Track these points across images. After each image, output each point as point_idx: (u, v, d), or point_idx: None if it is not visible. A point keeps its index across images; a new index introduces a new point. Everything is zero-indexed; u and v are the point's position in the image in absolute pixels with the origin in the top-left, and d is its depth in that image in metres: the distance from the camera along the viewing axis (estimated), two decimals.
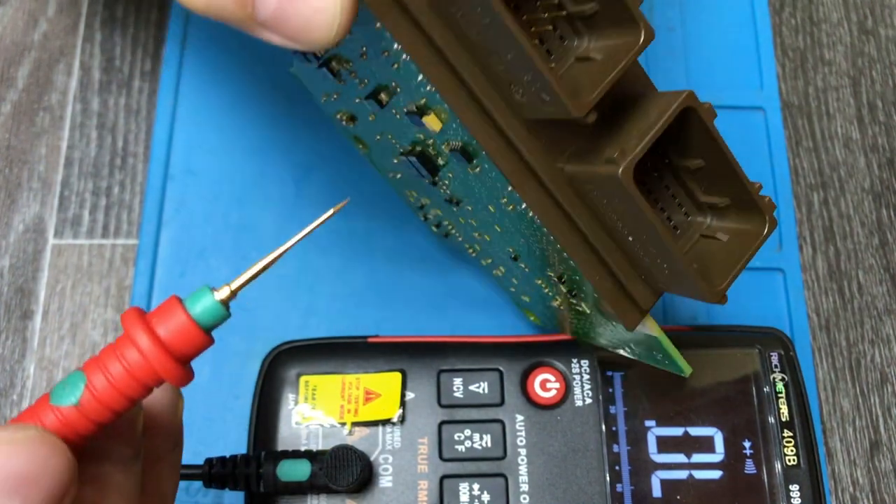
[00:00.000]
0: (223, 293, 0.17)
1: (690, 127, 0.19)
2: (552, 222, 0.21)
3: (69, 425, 0.16)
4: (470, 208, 0.24)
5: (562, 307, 0.26)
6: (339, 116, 0.25)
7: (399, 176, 0.27)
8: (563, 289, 0.24)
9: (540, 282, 0.25)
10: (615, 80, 0.17)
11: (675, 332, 0.29)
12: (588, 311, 0.24)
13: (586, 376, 0.28)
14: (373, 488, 0.26)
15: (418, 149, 0.23)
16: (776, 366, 0.28)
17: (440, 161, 0.23)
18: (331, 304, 0.31)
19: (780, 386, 0.28)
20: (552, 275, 0.24)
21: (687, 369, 0.24)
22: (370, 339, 0.29)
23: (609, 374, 0.28)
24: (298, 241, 0.19)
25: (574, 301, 0.24)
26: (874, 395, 0.31)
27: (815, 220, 0.33)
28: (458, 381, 0.28)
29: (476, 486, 0.27)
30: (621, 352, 0.27)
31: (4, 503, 0.14)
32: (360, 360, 0.28)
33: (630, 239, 0.20)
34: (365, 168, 0.33)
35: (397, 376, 0.28)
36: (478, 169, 0.21)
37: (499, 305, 0.31)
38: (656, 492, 0.27)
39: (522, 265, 0.25)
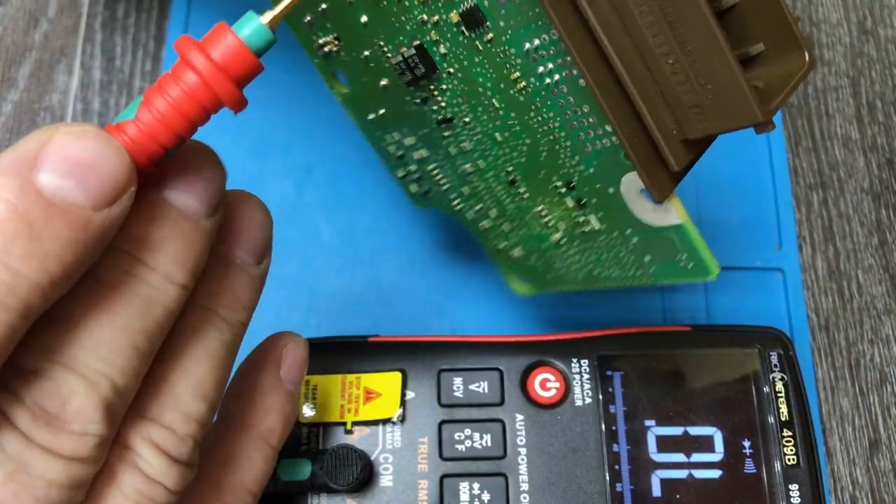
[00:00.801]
0: (268, 17, 0.17)
1: None
2: (583, 56, 0.19)
3: (130, 140, 0.16)
4: (467, 120, 0.23)
5: (562, 241, 0.25)
6: (321, 42, 0.24)
7: (382, 112, 0.25)
8: (571, 200, 0.23)
9: (540, 209, 0.24)
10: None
11: (675, 332, 0.29)
12: (598, 227, 0.24)
13: (586, 376, 0.28)
14: (373, 488, 0.26)
15: (416, 42, 0.22)
16: (776, 365, 0.28)
17: (441, 49, 0.22)
18: (331, 304, 0.31)
19: (779, 385, 0.28)
20: (559, 184, 0.23)
21: (714, 268, 0.23)
22: (370, 339, 0.29)
23: (609, 373, 0.28)
24: None
25: (582, 216, 0.24)
26: (873, 394, 0.31)
27: (814, 219, 0.33)
28: (458, 381, 0.28)
29: (476, 486, 0.27)
30: (627, 282, 0.25)
31: (60, 182, 0.15)
32: (361, 359, 0.28)
33: (671, 62, 0.19)
34: (365, 168, 0.33)
35: (397, 376, 0.28)
36: (490, 35, 0.21)
37: (499, 305, 0.31)
38: (656, 491, 0.27)
39: (522, 190, 0.24)
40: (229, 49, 0.17)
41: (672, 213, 0.22)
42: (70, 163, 0.15)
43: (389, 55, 0.23)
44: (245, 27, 0.17)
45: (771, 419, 0.27)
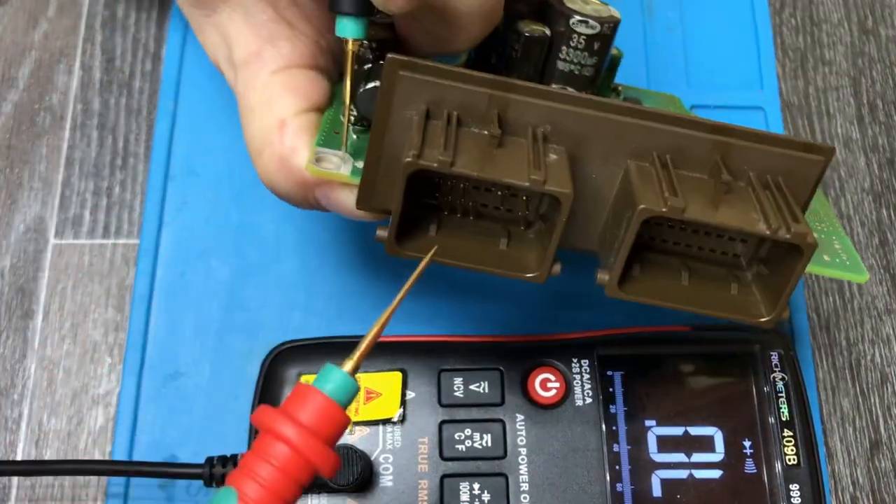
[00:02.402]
0: (348, 366, 0.17)
1: None
2: None
3: None
4: None
5: None
6: None
7: None
8: None
9: None
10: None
11: (676, 331, 0.29)
12: None
13: (586, 376, 0.28)
14: (373, 487, 0.26)
15: None
16: (776, 365, 0.28)
17: None
18: (331, 304, 0.31)
19: (780, 385, 0.28)
20: None
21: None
22: None
23: (609, 373, 0.28)
24: (402, 297, 0.20)
25: None
26: (874, 394, 0.31)
27: None
28: (458, 381, 0.28)
29: (476, 486, 0.27)
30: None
31: None
32: None
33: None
34: None
35: (398, 376, 0.28)
36: None
37: (499, 305, 0.31)
38: (656, 491, 0.27)
39: None
40: (317, 409, 0.16)
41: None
42: None
43: None
44: (328, 381, 0.16)
45: (771, 419, 0.27)
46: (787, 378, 0.28)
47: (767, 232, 0.19)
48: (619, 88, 0.28)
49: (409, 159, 0.19)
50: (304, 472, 0.16)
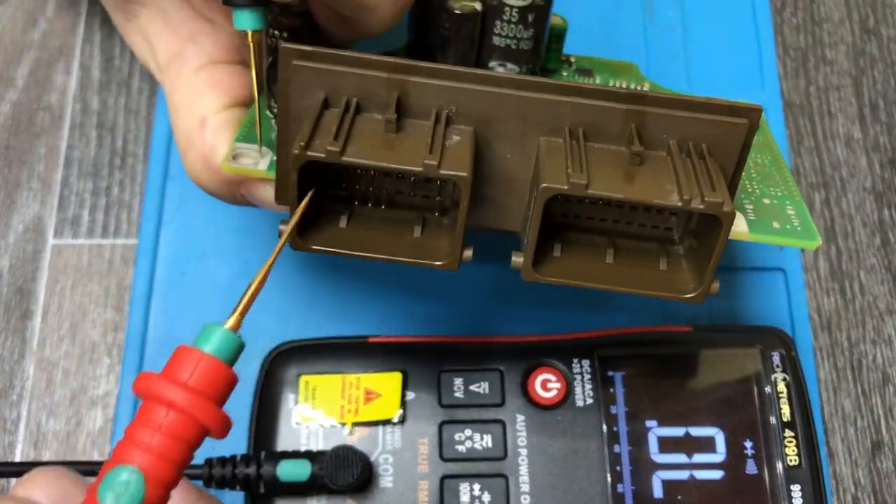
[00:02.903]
0: (230, 322, 0.16)
1: None
2: None
3: None
4: None
5: None
6: None
7: None
8: None
9: None
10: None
11: (677, 332, 0.29)
12: None
13: (587, 376, 0.28)
14: (373, 488, 0.26)
15: None
16: (777, 366, 0.28)
17: None
18: (331, 304, 0.31)
19: (781, 386, 0.28)
20: None
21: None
22: (370, 339, 0.29)
23: (610, 374, 0.28)
24: (275, 258, 0.19)
25: None
26: (876, 395, 0.31)
27: (816, 219, 0.33)
28: (458, 382, 0.28)
29: (477, 487, 0.26)
30: None
31: None
32: (361, 360, 0.28)
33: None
34: None
35: (398, 376, 0.28)
36: None
37: (500, 305, 0.31)
38: (657, 492, 0.26)
39: None
40: (203, 368, 0.15)
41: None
42: None
43: None
44: (208, 340, 0.16)
45: (773, 420, 0.27)
46: (788, 378, 0.28)
47: (679, 203, 0.18)
48: (572, 59, 0.27)
49: (296, 151, 0.18)
50: (193, 434, 0.15)
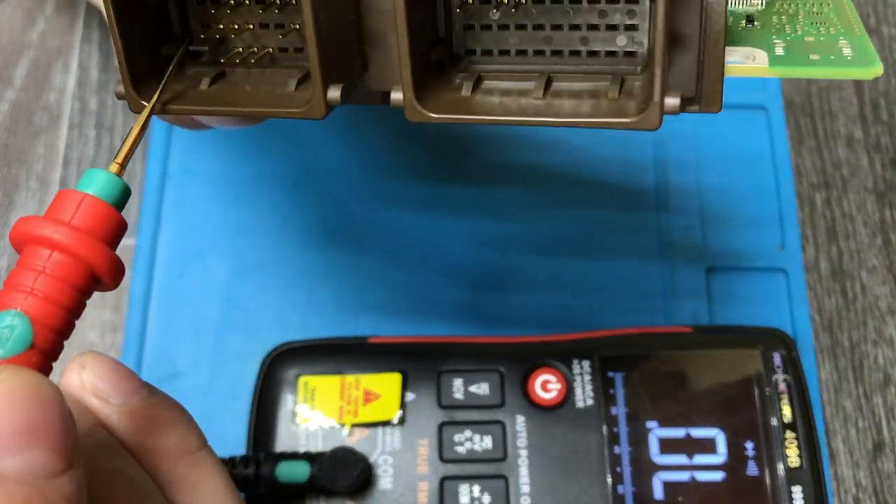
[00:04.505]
0: (113, 167, 0.15)
1: None
2: None
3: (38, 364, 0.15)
4: None
5: None
6: None
7: None
8: None
9: None
10: None
11: (677, 332, 0.29)
12: None
13: (587, 377, 0.28)
14: (372, 490, 0.26)
15: None
16: (778, 366, 0.28)
17: None
18: (331, 304, 0.31)
19: (782, 387, 0.28)
20: None
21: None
22: (370, 340, 0.29)
23: (610, 374, 0.28)
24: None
25: None
26: (877, 396, 0.31)
27: (817, 219, 0.33)
28: (458, 382, 0.28)
29: (476, 488, 0.26)
30: None
31: (26, 457, 0.13)
32: (360, 360, 0.28)
33: None
34: (365, 168, 0.33)
35: (397, 377, 0.28)
36: None
37: (500, 305, 0.31)
38: (658, 494, 0.26)
39: None
40: (88, 210, 0.14)
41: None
42: (21, 431, 0.13)
43: None
44: (91, 183, 0.15)
45: (774, 421, 0.27)
46: (789, 379, 0.28)
47: None
48: None
49: None
50: (80, 275, 0.14)
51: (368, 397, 0.27)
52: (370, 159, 0.33)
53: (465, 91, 0.17)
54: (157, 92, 0.17)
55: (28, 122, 0.34)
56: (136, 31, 0.17)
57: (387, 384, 0.28)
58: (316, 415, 0.27)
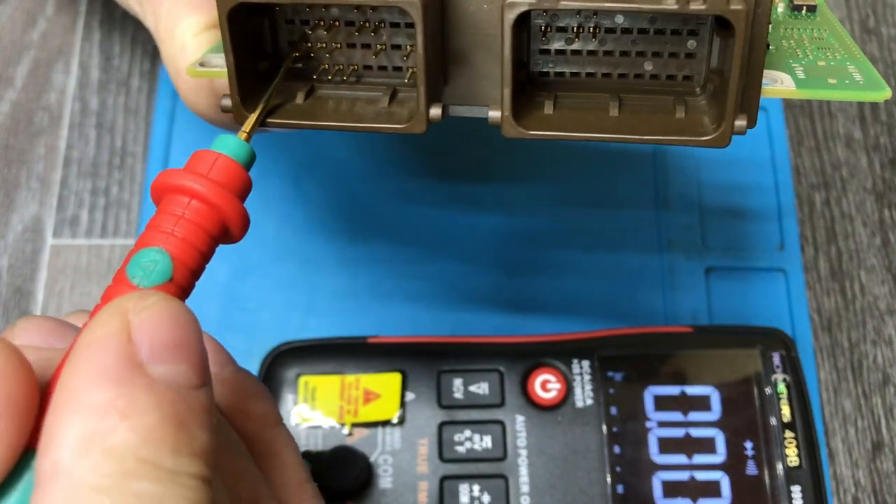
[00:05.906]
0: (242, 135, 0.17)
1: None
2: None
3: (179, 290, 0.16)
4: None
5: None
6: None
7: None
8: None
9: None
10: None
11: (677, 332, 0.29)
12: None
13: (587, 377, 0.28)
14: (372, 489, 0.26)
15: None
16: (778, 366, 0.28)
17: None
18: (331, 304, 0.31)
19: (781, 386, 0.28)
20: None
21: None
22: (370, 340, 0.29)
23: (610, 374, 0.28)
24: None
25: None
26: (876, 395, 0.31)
27: (816, 219, 0.33)
28: (458, 382, 0.28)
29: (476, 488, 0.26)
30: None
31: (173, 368, 0.14)
32: (360, 360, 0.28)
33: None
34: (365, 168, 0.33)
35: (397, 377, 0.28)
36: None
37: (499, 305, 0.31)
38: (657, 493, 0.26)
39: None
40: (220, 165, 0.16)
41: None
42: (170, 346, 0.15)
43: None
44: (225, 145, 0.17)
45: (773, 420, 0.27)
46: (788, 379, 0.28)
47: (676, 6, 0.16)
48: None
49: None
50: (214, 223, 0.16)
51: (368, 397, 0.27)
52: (370, 159, 0.33)
53: (548, 109, 0.18)
54: (263, 102, 0.18)
55: (29, 122, 0.34)
56: (243, 47, 0.18)
57: (387, 384, 0.28)
58: (316, 414, 0.27)
